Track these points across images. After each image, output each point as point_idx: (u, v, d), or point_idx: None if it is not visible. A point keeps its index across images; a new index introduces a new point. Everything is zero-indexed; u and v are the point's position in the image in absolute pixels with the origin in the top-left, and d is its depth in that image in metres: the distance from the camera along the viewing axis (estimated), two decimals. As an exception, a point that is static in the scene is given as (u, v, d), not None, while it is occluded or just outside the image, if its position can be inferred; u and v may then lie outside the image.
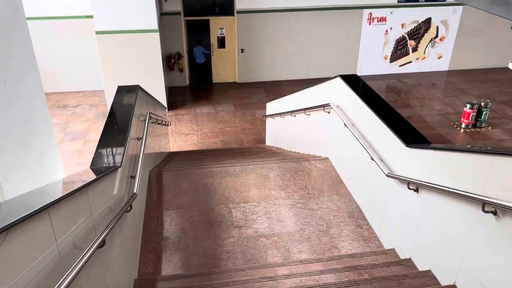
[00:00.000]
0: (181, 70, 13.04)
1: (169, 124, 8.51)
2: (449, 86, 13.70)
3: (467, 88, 13.27)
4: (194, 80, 13.88)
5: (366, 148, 3.97)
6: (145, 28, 10.50)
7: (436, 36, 13.98)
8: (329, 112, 5.22)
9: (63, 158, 9.27)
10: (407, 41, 13.95)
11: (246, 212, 4.39)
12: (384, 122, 3.72)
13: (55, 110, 11.61)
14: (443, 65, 14.50)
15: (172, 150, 9.50)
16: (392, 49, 14.00)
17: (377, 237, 4.05)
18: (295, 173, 5.07)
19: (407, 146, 3.38)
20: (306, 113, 6.10)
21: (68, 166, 8.92)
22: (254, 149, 8.53)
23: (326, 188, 4.81)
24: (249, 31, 13.05)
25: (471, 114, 10.08)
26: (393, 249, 3.73)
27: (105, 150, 3.30)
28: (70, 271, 1.55)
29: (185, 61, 12.98)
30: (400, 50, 14.11)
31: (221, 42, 13.18)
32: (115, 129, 3.65)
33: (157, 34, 10.65)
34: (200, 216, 4.32)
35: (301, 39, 13.39)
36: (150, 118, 5.03)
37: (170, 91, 12.91)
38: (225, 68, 13.61)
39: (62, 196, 1.70)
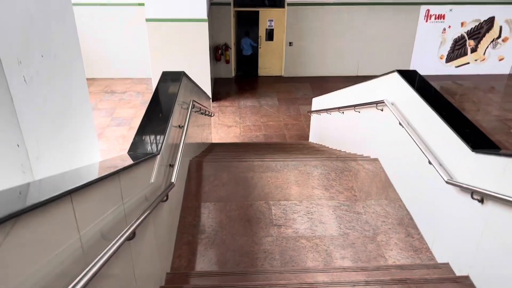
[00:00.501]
0: (227, 62, 12.94)
1: (212, 114, 8.40)
2: (510, 91, 12.78)
3: (531, 94, 12.35)
4: (240, 72, 13.75)
5: (423, 150, 3.61)
6: (194, 17, 10.44)
7: (499, 37, 13.07)
8: (382, 110, 4.87)
9: (108, 143, 9.41)
10: (466, 40, 13.13)
11: (286, 211, 4.15)
12: (446, 123, 3.35)
13: (103, 95, 11.83)
14: (505, 68, 13.55)
15: (214, 141, 9.40)
16: (449, 48, 13.23)
17: (429, 249, 3.70)
18: (341, 173, 4.77)
19: (473, 151, 3.01)
20: (356, 110, 5.76)
21: (112, 151, 9.03)
22: (297, 145, 8.26)
23: (374, 191, 4.48)
24: (298, 24, 12.72)
25: (535, 122, 9.30)
26: (448, 263, 3.37)
27: (144, 136, 3.16)
28: (91, 267, 1.38)
29: (232, 52, 12.86)
30: (457, 50, 13.31)
31: (270, 35, 12.95)
32: (157, 115, 3.50)
33: (206, 24, 10.56)
34: (238, 211, 4.13)
35: (353, 34, 12.91)
36: (193, 106, 4.88)
37: (216, 82, 12.84)
38: (271, 61, 13.37)
39: (87, 183, 1.54)
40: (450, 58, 13.39)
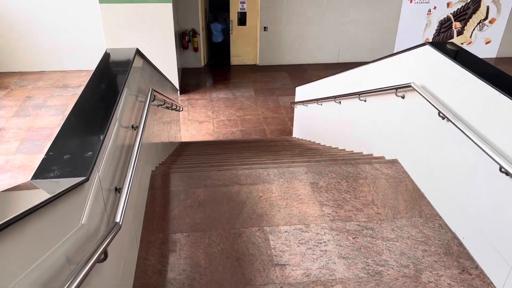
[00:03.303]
0: (196, 49, 11.57)
1: (181, 109, 7.10)
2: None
3: (523, 78, 11.61)
4: (210, 61, 12.42)
5: (488, 151, 2.49)
6: (156, -3, 9.07)
7: (486, 18, 12.27)
8: (402, 97, 3.74)
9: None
10: (452, 23, 12.26)
11: (289, 241, 2.96)
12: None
13: (53, 90, 10.28)
14: (491, 51, 12.79)
15: (184, 140, 8.10)
16: (434, 31, 12.34)
17: (497, 291, 2.61)
18: (354, 181, 3.62)
19: None
20: (361, 98, 4.62)
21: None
22: (282, 142, 7.08)
23: (402, 205, 3.35)
24: (274, 6, 11.48)
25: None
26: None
27: (65, 149, 1.89)
28: None
29: (200, 39, 11.50)
30: (443, 33, 12.44)
31: (242, 19, 11.65)
32: (91, 113, 2.23)
33: (170, 5, 9.18)
34: (222, 245, 2.91)
35: (332, 18, 11.79)
36: (154, 98, 3.61)
37: (183, 72, 11.48)
38: (245, 48, 12.10)
39: None
40: (436, 41, 12.50)
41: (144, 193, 3.30)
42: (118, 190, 2.25)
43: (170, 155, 5.34)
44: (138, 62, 3.19)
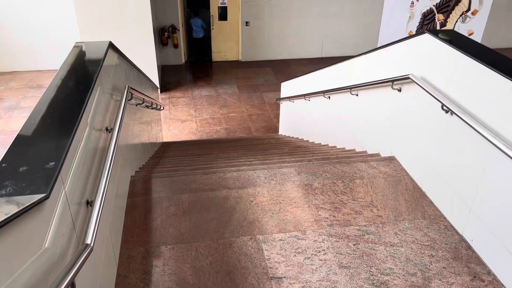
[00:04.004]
0: (176, 46, 11.21)
1: (161, 108, 6.77)
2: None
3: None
4: (191, 58, 12.07)
5: (502, 147, 2.27)
6: (132, -9, 8.68)
7: (468, 10, 12.22)
8: (399, 90, 3.51)
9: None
10: (435, 15, 12.18)
11: (285, 250, 2.70)
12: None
13: (26, 91, 9.80)
14: (474, 43, 12.74)
15: (166, 140, 7.77)
16: (417, 24, 12.24)
17: (512, 298, 2.39)
18: (350, 181, 3.37)
19: None
20: (353, 92, 4.38)
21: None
22: (270, 140, 6.82)
23: (403, 206, 3.12)
24: (255, 1, 11.19)
25: None
26: None
27: (21, 159, 1.57)
28: None
29: (180, 35, 11.14)
30: (426, 25, 12.35)
31: (223, 14, 11.34)
32: (53, 115, 1.91)
33: (148, 0, 8.82)
34: (211, 258, 2.62)
35: (315, 11, 11.57)
36: (131, 97, 3.29)
37: (163, 70, 11.11)
38: (227, 44, 11.79)
39: None
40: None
41: (122, 202, 2.99)
42: (90, 204, 1.95)
43: (151, 157, 5.02)
44: (112, 57, 2.87)
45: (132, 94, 3.26)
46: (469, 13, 12.30)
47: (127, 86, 2.91)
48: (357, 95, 4.36)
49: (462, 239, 2.82)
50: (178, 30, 10.98)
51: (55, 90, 2.11)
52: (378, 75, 3.83)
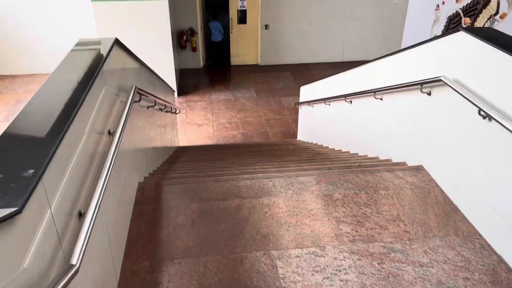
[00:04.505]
0: (194, 49, 11.08)
1: (178, 111, 6.60)
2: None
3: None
4: (209, 62, 11.94)
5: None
6: (151, -6, 8.60)
7: (497, 13, 11.73)
8: (429, 93, 3.22)
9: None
10: (461, 18, 11.74)
11: (302, 268, 2.44)
12: None
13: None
14: (503, 48, 12.25)
15: (181, 144, 7.60)
16: (443, 28, 11.80)
17: None
18: (374, 192, 3.10)
19: None
20: (377, 96, 4.10)
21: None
22: (287, 145, 6.57)
23: (433, 221, 2.83)
24: (275, 3, 10.98)
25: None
26: None
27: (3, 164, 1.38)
28: None
29: (199, 38, 11.01)
30: (452, 29, 11.92)
31: (242, 17, 11.17)
32: (43, 115, 1.72)
33: (166, 3, 8.71)
34: (220, 275, 2.39)
35: (336, 15, 11.30)
36: (140, 98, 3.10)
37: (181, 73, 10.99)
38: (245, 47, 11.61)
39: None
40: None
41: (127, 210, 2.79)
42: (82, 215, 1.74)
43: (164, 162, 4.83)
44: (118, 55, 2.68)
45: (140, 95, 3.06)
46: (497, 17, 11.81)
47: (134, 86, 2.72)
48: (381, 99, 4.08)
49: (501, 260, 2.51)
50: (197, 34, 10.86)
51: (50, 88, 1.92)
52: (405, 78, 3.55)
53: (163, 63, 9.04)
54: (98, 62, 2.17)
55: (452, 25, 11.88)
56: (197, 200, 3.01)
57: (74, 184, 1.71)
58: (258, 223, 2.78)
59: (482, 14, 11.75)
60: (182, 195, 3.08)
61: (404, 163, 3.64)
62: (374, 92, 4.07)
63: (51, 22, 10.24)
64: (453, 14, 11.68)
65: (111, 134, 2.30)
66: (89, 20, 8.97)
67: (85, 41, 2.60)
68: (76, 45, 2.52)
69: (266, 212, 2.89)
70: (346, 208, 2.93)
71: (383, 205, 2.97)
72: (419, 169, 3.38)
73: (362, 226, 2.77)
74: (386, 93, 3.93)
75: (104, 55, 2.30)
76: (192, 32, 10.81)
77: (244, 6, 11.01)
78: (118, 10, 8.73)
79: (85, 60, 2.30)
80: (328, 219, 2.82)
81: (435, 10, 11.55)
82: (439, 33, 11.93)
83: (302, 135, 7.65)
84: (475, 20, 11.82)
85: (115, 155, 2.06)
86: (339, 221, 2.81)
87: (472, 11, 11.69)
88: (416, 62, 3.51)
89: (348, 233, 2.71)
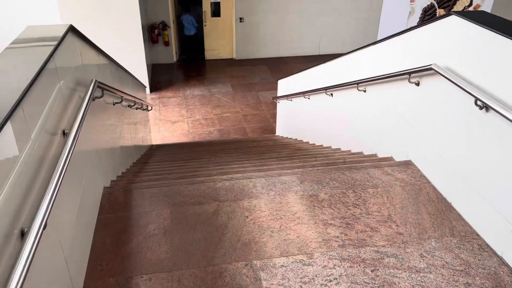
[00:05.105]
0: (167, 44, 10.69)
1: (149, 108, 6.26)
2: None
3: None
4: (183, 56, 11.56)
5: None
6: (119, -15, 8.18)
7: (470, 5, 11.78)
8: (417, 84, 3.01)
9: None
10: (436, 10, 11.73)
11: (288, 279, 2.19)
12: None
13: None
14: (476, 40, 12.32)
15: (155, 142, 7.25)
16: (418, 19, 11.78)
17: None
18: (362, 191, 2.87)
19: None
20: (360, 88, 3.89)
21: None
22: (266, 141, 6.32)
23: (427, 221, 2.63)
24: (249, -5, 10.70)
25: None
26: None
27: None
28: None
29: (171, 32, 10.62)
30: (427, 20, 11.90)
31: (216, 10, 10.83)
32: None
33: (136, -5, 8.31)
34: (197, 291, 2.11)
35: (312, 7, 11.09)
36: (102, 93, 2.77)
37: (154, 69, 10.59)
38: (220, 41, 11.28)
39: None
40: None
41: (90, 220, 2.47)
42: (25, 234, 1.43)
43: (135, 162, 4.51)
44: (73, 44, 2.35)
45: (103, 90, 2.74)
46: (471, 8, 11.86)
47: (93, 80, 2.40)
48: (364, 91, 3.87)
49: (502, 262, 2.32)
50: (169, 27, 10.47)
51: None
52: (391, 68, 3.34)
53: (134, 57, 8.65)
54: (46, 52, 1.85)
55: (427, 17, 11.85)
56: (170, 205, 2.72)
57: (14, 198, 1.41)
58: (239, 230, 2.51)
59: (456, 5, 11.76)
60: (153, 200, 2.78)
61: (391, 158, 3.43)
62: (357, 83, 3.85)
63: (14, 15, 9.66)
64: (428, 5, 11.65)
65: (65, 134, 1.99)
66: (55, 12, 8.48)
67: (34, 29, 2.26)
68: (23, 32, 2.18)
69: (247, 217, 2.62)
70: (333, 209, 2.69)
71: (372, 204, 2.75)
72: (408, 164, 3.18)
73: (351, 229, 2.54)
74: (370, 84, 3.71)
75: (55, 44, 1.97)
76: (164, 26, 10.42)
77: (218, -1, 10.68)
78: (85, 2, 8.29)
79: (32, 50, 1.97)
80: (315, 222, 2.58)
81: (411, 2, 11.48)
82: (415, 24, 11.89)
83: (281, 131, 7.42)
84: (449, 11, 11.83)
85: (69, 157, 1.75)
86: (327, 224, 2.57)
87: (446, 2, 11.69)
88: (402, 51, 3.30)
89: (337, 237, 2.47)
